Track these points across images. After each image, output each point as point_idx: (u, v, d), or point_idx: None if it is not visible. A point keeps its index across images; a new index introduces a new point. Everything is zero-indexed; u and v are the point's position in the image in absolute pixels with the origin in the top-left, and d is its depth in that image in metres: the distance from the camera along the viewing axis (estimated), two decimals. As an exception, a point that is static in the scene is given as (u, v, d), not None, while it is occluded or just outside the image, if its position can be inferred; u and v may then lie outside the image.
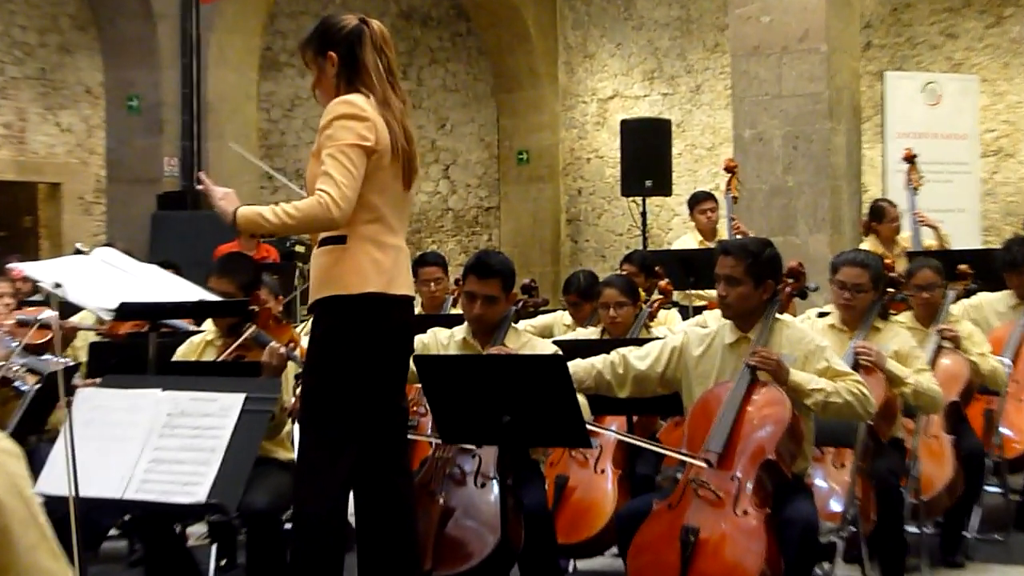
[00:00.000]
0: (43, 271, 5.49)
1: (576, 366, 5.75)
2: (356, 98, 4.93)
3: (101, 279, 5.35)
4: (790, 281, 5.88)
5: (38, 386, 5.21)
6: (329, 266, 4.95)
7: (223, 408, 4.12)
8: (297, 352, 6.15)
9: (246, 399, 4.12)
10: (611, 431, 6.32)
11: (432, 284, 8.79)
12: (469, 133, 18.99)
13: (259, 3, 16.26)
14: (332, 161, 4.81)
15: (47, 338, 6.35)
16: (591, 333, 7.63)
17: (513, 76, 18.65)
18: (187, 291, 5.68)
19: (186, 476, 3.99)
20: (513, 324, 6.40)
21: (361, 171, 4.85)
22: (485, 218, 19.14)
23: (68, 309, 7.66)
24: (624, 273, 8.51)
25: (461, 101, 18.92)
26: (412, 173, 5.12)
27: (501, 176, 19.07)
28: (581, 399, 5.42)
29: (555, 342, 6.61)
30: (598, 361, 5.84)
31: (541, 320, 8.70)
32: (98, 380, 4.97)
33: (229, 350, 6.31)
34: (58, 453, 4.32)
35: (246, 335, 6.32)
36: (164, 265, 7.00)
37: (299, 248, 12.90)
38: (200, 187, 5.27)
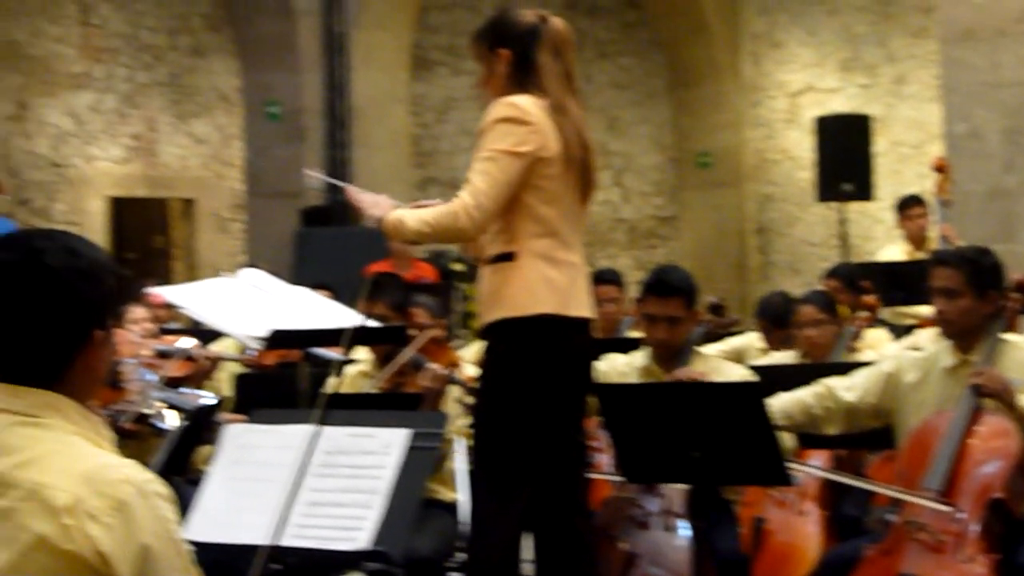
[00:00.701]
0: (184, 296, 5.62)
1: (783, 401, 5.71)
2: (522, 100, 4.97)
3: (248, 304, 5.46)
4: (1015, 295, 5.76)
5: (183, 424, 5.33)
6: (497, 286, 5.00)
7: (385, 445, 4.17)
8: (459, 375, 6.21)
9: (410, 435, 4.16)
10: (814, 467, 6.26)
11: (607, 304, 8.80)
12: (643, 135, 18.98)
13: (409, -4, 16.44)
14: (478, 166, 4.90)
15: (189, 370, 6.49)
16: (787, 357, 7.58)
17: (691, 70, 18.60)
18: (342, 316, 5.77)
19: (346, 520, 4.04)
20: (698, 347, 6.39)
21: (511, 180, 4.91)
22: (662, 229, 19.11)
23: (207, 336, 7.83)
24: (824, 289, 8.43)
25: (633, 99, 18.92)
26: (589, 186, 5.14)
27: (679, 182, 19.02)
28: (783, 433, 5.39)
29: (750, 368, 6.58)
30: (806, 394, 5.78)
31: (731, 343, 8.67)
32: (245, 416, 5.06)
33: (385, 374, 6.40)
34: (205, 496, 4.41)
35: (403, 360, 6.39)
36: (316, 287, 7.12)
37: (457, 266, 13.02)
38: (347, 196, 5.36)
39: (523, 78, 5.04)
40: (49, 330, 2.80)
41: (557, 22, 5.15)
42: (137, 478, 2.74)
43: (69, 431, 2.80)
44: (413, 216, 4.99)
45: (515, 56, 5.07)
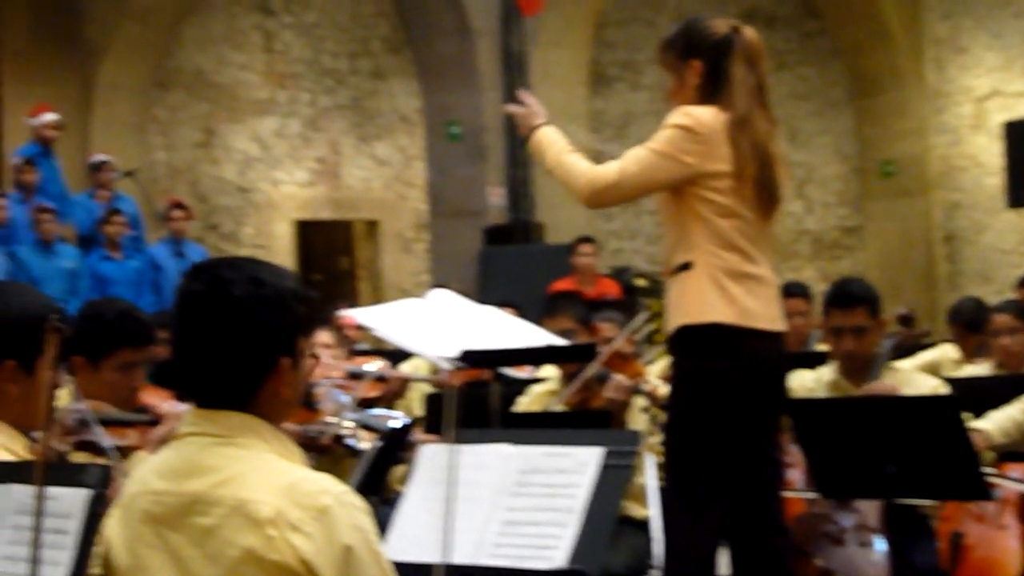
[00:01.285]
0: (375, 317, 5.69)
1: (996, 420, 5.62)
2: (701, 112, 4.97)
3: (438, 324, 5.51)
4: None
5: (377, 444, 5.41)
6: (676, 295, 5.03)
7: (579, 463, 4.18)
8: (645, 386, 6.20)
9: (604, 453, 4.17)
10: (1014, 479, 6.15)
11: (795, 318, 8.73)
12: (824, 145, 18.79)
13: (585, 13, 16.48)
14: (639, 152, 5.00)
15: (380, 391, 6.59)
16: (982, 369, 7.45)
17: (873, 78, 18.38)
18: (531, 335, 5.80)
19: (542, 539, 4.06)
20: (888, 361, 6.31)
21: (659, 181, 5.01)
22: (847, 240, 18.89)
23: (396, 357, 7.93)
24: (1019, 297, 8.29)
25: (814, 109, 18.75)
26: (771, 200, 5.11)
27: (863, 192, 18.80)
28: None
29: (945, 380, 6.48)
30: (1016, 411, 5.69)
31: (924, 357, 8.54)
32: (437, 435, 5.12)
33: (571, 389, 6.43)
34: (402, 516, 4.46)
35: (588, 374, 6.41)
36: (501, 305, 7.17)
37: (640, 282, 13.01)
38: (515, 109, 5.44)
39: (713, 89, 5.03)
40: (236, 357, 2.90)
41: (750, 32, 5.12)
42: (334, 489, 2.84)
43: (264, 449, 2.90)
44: (553, 150, 5.16)
45: (707, 67, 5.06)
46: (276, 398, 2.93)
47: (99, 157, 13.70)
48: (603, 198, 5.08)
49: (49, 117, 13.52)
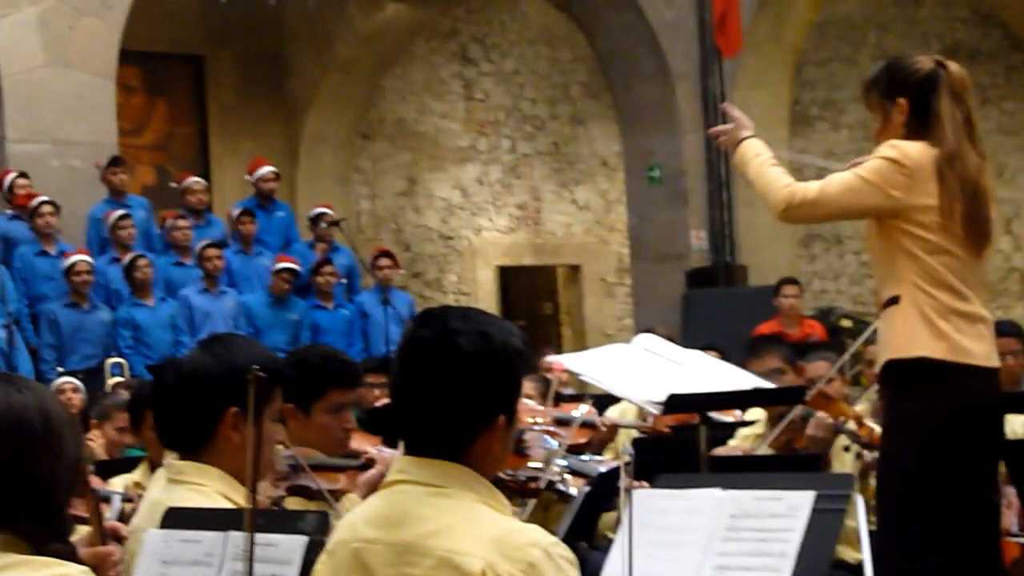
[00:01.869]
0: (582, 363, 5.71)
1: None
2: (910, 146, 4.90)
3: (645, 369, 5.51)
4: None
5: (586, 489, 5.40)
6: (885, 330, 4.98)
7: (791, 507, 4.12)
8: (848, 425, 6.10)
9: (816, 497, 4.11)
10: None
11: (1007, 358, 8.52)
12: (1033, 180, 18.40)
13: (784, 53, 16.37)
14: (845, 176, 4.99)
15: (587, 437, 6.58)
16: None
17: (1082, 110, 17.96)
18: (738, 378, 5.77)
19: (756, 584, 4.02)
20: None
21: (858, 207, 4.98)
22: (1057, 277, 18.45)
23: (603, 402, 7.92)
24: None
25: (1020, 144, 18.36)
26: (982, 237, 5.01)
27: (1074, 227, 18.36)
28: None
29: None
30: None
31: None
32: (645, 480, 5.10)
33: (777, 431, 6.36)
34: (611, 562, 4.44)
35: (793, 415, 6.34)
36: (704, 349, 7.13)
37: (845, 323, 12.86)
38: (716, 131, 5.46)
39: (920, 126, 4.96)
40: (455, 409, 2.89)
41: (955, 67, 5.04)
42: (543, 541, 2.82)
43: (474, 500, 2.88)
44: (756, 162, 5.15)
45: (913, 104, 4.99)
46: (488, 453, 2.92)
47: (318, 209, 13.97)
48: (798, 213, 5.06)
49: (266, 170, 13.84)
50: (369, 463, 4.73)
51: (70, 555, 2.62)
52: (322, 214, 13.86)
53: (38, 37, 12.70)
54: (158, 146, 16.49)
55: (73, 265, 11.64)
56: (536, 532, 2.86)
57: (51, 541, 2.59)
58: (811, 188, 4.99)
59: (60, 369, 11.29)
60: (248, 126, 16.73)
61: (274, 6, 15.58)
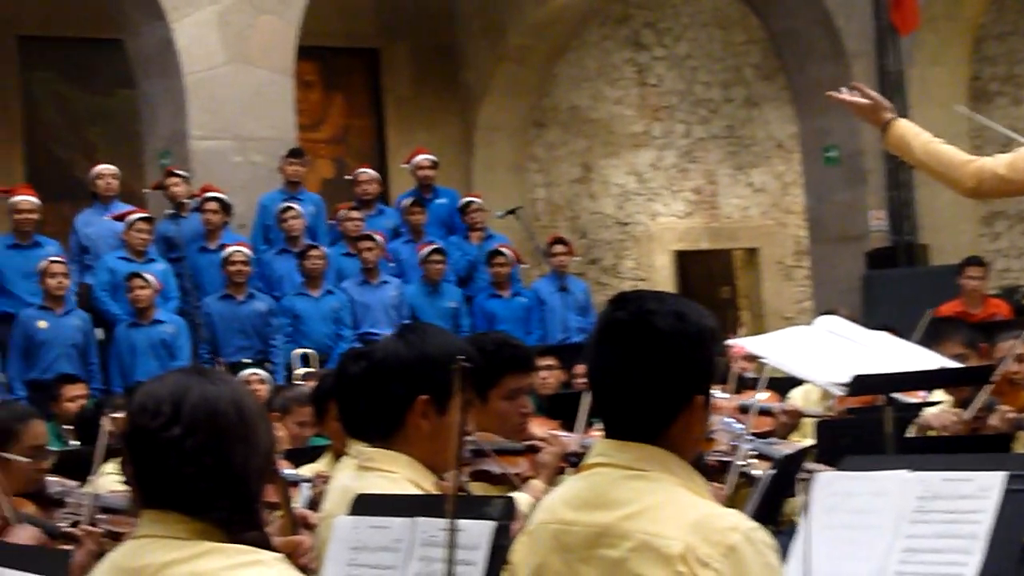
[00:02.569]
0: (764, 346, 5.66)
1: None
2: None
3: (828, 351, 5.45)
4: None
5: (771, 472, 5.36)
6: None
7: (981, 488, 4.04)
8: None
9: (1007, 477, 4.04)
10: None
11: None
12: None
13: (962, 28, 16.06)
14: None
15: (772, 425, 6.53)
16: None
17: None
18: (923, 358, 5.67)
19: (947, 566, 3.95)
20: None
21: None
22: None
23: (785, 385, 7.85)
24: None
25: None
26: None
27: None
28: None
29: None
30: None
31: None
32: (830, 463, 5.04)
33: (968, 415, 6.25)
34: (798, 546, 4.40)
35: (980, 401, 6.23)
36: (883, 330, 7.02)
37: (1029, 301, 12.58)
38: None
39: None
40: (654, 390, 2.88)
41: None
42: (744, 525, 2.80)
43: (673, 483, 2.87)
44: (920, 141, 5.03)
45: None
46: (686, 434, 2.92)
47: (467, 198, 14.01)
48: (988, 188, 4.94)
49: (422, 158, 13.92)
50: (542, 445, 4.74)
51: (264, 542, 2.67)
52: (470, 203, 13.88)
53: (218, 35, 12.94)
54: (336, 140, 16.71)
55: (230, 256, 11.78)
56: (736, 516, 2.85)
57: (246, 529, 2.64)
58: (999, 163, 4.89)
59: (220, 360, 11.45)
60: (423, 117, 16.86)
61: (447, -3, 15.72)
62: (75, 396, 9.83)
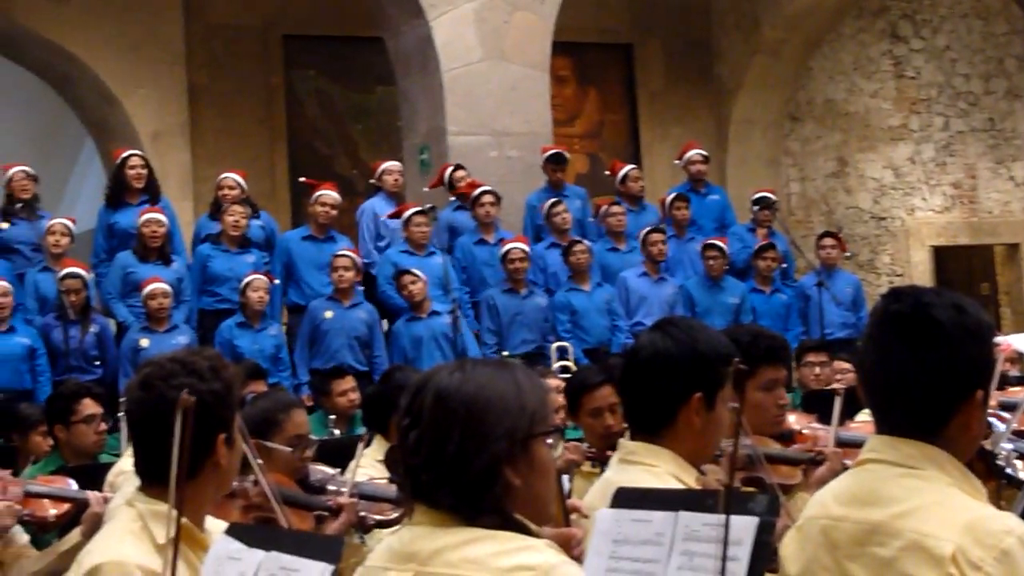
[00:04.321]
0: (1030, 343, 5.51)
1: None
2: None
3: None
4: None
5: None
6: None
7: None
8: None
9: None
10: None
11: None
12: None
13: None
14: None
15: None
16: None
17: None
18: None
19: None
20: None
21: None
22: None
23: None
24: None
25: None
26: None
27: None
28: None
29: None
30: None
31: None
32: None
33: None
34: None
35: None
36: None
37: None
38: None
39: None
40: (932, 384, 2.80)
41: None
42: (1019, 529, 2.70)
43: (946, 483, 2.80)
44: None
45: None
46: (964, 432, 2.83)
47: (760, 193, 13.88)
48: None
49: (694, 153, 13.88)
50: (821, 459, 4.69)
51: (520, 530, 2.67)
52: (763, 198, 13.76)
53: (475, 32, 13.07)
54: (590, 134, 16.74)
55: (508, 252, 11.92)
56: (1012, 520, 2.74)
57: (476, 518, 2.65)
58: None
59: (505, 353, 11.57)
60: (677, 112, 16.80)
61: (701, -9, 15.64)
62: (345, 390, 10.04)
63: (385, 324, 11.80)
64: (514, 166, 13.13)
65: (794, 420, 5.01)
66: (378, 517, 5.44)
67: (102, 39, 14.36)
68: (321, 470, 5.56)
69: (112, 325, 11.49)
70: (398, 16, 13.24)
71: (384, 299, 12.00)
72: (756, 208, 13.71)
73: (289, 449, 5.25)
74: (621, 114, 17.01)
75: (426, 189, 12.87)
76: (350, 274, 11.41)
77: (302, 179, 13.34)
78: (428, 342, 11.44)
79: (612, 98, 16.99)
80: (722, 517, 2.85)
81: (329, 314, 11.41)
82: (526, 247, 12.04)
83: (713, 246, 12.72)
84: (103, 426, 7.32)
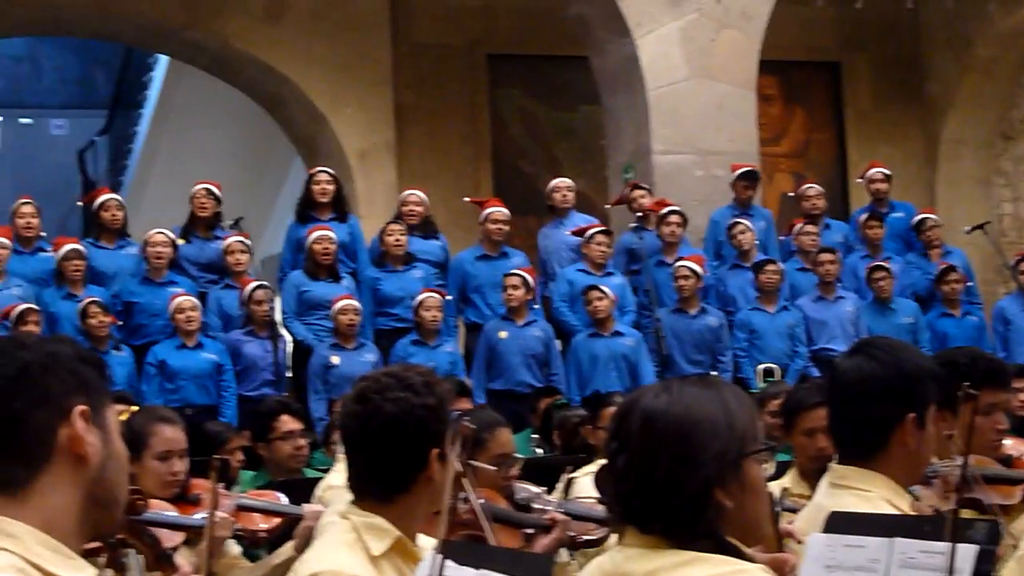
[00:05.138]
0: None
1: None
2: None
3: None
4: None
5: None
6: None
7: None
8: None
9: None
10: None
11: None
12: None
13: None
14: None
15: None
16: None
17: None
18: None
19: None
20: None
21: None
22: None
23: None
24: None
25: None
26: None
27: None
28: None
29: None
30: None
31: None
32: None
33: None
34: None
35: None
36: None
37: None
38: None
39: None
40: None
41: None
42: None
43: None
44: None
45: None
46: None
47: (922, 215, 13.61)
48: None
49: (874, 171, 13.71)
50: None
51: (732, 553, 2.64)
52: (926, 219, 13.48)
53: (681, 50, 13.04)
54: (796, 154, 16.58)
55: (675, 269, 11.79)
56: None
57: (689, 541, 2.62)
58: None
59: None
60: (885, 131, 16.55)
61: (911, 8, 15.35)
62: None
63: (558, 344, 11.74)
64: (719, 185, 13.04)
65: (1010, 445, 4.88)
66: (585, 537, 5.44)
67: (312, 59, 14.63)
68: (526, 488, 5.57)
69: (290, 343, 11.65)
70: (604, 35, 13.26)
71: (557, 317, 11.96)
72: (921, 231, 13.38)
73: (494, 468, 5.26)
74: (828, 133, 16.81)
75: (608, 206, 12.82)
76: (519, 292, 11.37)
77: (466, 199, 13.35)
78: (606, 361, 11.38)
79: (819, 117, 16.81)
80: (943, 545, 2.78)
81: (503, 334, 11.41)
82: (694, 265, 11.82)
83: (880, 267, 12.48)
84: (301, 441, 7.40)
